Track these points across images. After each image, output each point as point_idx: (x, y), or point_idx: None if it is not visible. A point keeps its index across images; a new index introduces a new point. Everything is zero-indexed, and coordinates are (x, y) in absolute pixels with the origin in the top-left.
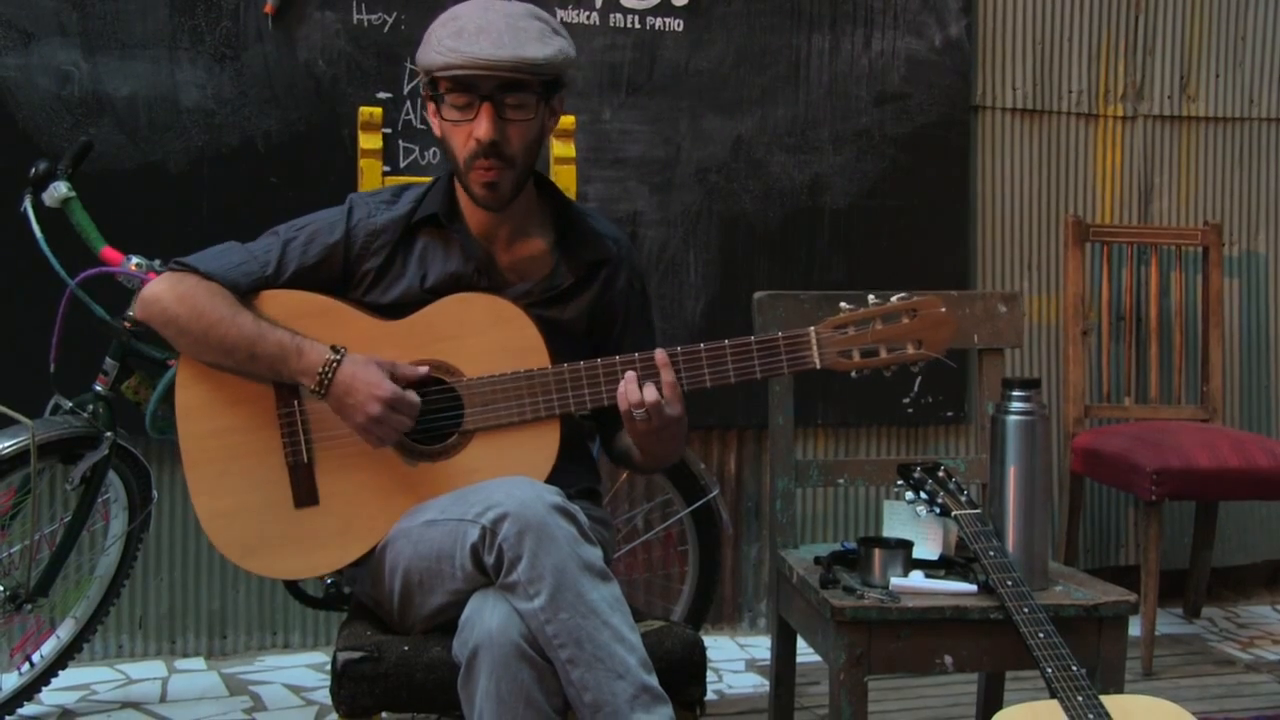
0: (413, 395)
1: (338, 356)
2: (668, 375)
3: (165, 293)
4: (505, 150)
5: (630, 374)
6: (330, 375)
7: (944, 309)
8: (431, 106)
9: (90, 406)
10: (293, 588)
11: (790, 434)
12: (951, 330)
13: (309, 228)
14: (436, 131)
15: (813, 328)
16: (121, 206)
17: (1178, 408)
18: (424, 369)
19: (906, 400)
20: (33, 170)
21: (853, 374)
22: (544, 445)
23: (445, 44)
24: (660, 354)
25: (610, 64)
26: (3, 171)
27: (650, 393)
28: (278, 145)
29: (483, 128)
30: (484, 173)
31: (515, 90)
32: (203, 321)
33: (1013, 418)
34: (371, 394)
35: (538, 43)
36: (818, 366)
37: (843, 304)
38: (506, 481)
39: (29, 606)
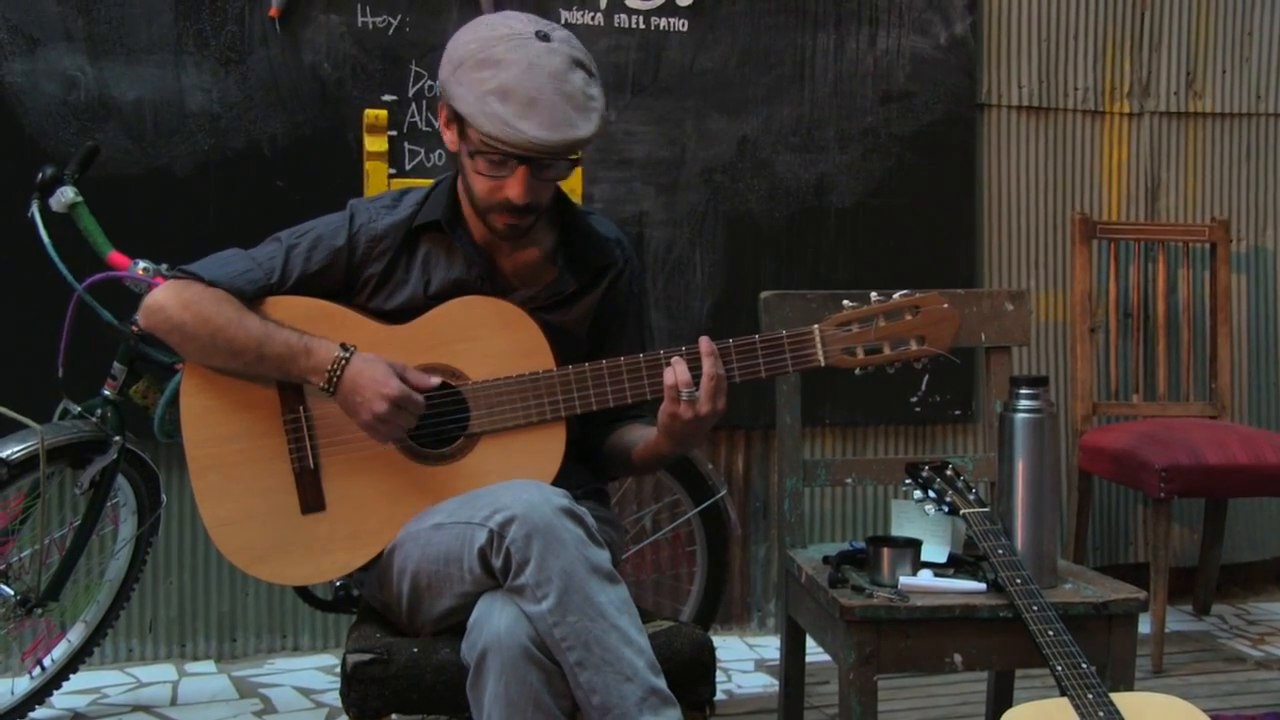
0: (419, 394)
1: (346, 354)
2: (713, 367)
3: (169, 300)
4: (535, 206)
5: (678, 359)
6: (339, 373)
7: (947, 305)
8: (447, 121)
9: (98, 411)
10: (302, 591)
11: (798, 433)
12: (955, 326)
13: (312, 234)
14: (451, 147)
15: (817, 325)
16: (128, 211)
17: (1186, 404)
18: (435, 379)
19: (914, 399)
20: (39, 175)
21: (857, 371)
22: (550, 447)
23: (492, 108)
24: (706, 341)
25: (615, 65)
26: (10, 177)
27: (712, 366)
28: (283, 149)
29: (515, 191)
30: (507, 221)
31: (555, 159)
32: (209, 326)
33: (1020, 416)
34: (379, 392)
35: (583, 116)
36: (822, 364)
37: (846, 301)
38: (514, 484)
39: (39, 611)
